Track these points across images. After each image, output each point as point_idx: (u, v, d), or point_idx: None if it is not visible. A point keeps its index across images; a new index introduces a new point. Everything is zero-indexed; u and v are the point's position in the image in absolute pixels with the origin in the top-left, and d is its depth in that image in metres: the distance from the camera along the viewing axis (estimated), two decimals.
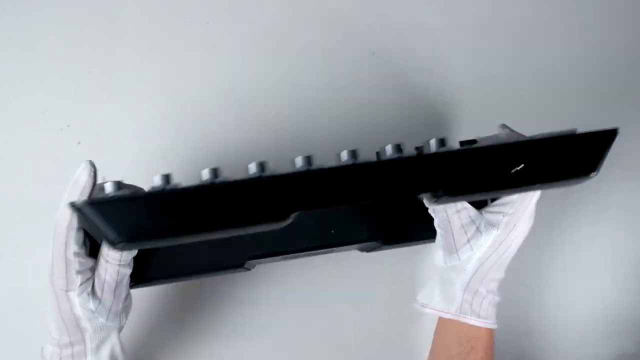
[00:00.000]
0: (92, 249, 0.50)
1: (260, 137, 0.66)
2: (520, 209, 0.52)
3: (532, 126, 0.62)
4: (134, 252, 0.51)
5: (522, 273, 0.63)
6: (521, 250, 0.62)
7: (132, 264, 0.51)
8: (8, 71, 0.65)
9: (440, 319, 0.57)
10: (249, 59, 0.66)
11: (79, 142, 0.66)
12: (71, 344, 0.50)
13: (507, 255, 0.54)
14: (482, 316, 0.54)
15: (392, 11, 0.66)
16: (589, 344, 0.64)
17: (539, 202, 0.53)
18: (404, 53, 0.66)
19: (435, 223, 0.54)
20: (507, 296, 0.64)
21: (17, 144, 0.66)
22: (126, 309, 0.53)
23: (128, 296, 0.53)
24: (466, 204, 0.53)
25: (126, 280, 0.51)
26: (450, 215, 0.52)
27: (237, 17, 0.66)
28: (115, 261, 0.49)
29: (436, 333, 0.58)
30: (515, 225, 0.52)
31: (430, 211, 0.53)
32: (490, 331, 0.55)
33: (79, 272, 0.48)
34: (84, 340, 0.50)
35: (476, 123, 0.67)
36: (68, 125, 0.66)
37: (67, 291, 0.49)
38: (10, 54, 0.65)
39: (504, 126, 0.53)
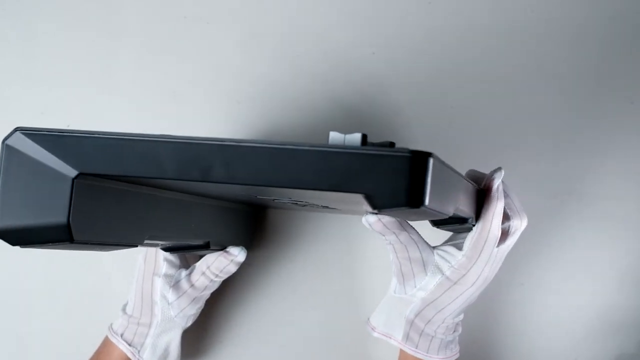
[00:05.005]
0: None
1: (260, 137, 0.66)
2: (467, 265, 0.49)
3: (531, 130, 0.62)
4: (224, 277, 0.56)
5: (522, 273, 0.63)
6: (521, 251, 0.62)
7: (218, 285, 0.57)
8: (8, 71, 0.65)
9: (399, 349, 0.54)
10: (249, 59, 0.66)
11: None
12: (139, 323, 0.56)
13: (460, 300, 0.50)
14: (431, 351, 0.52)
15: (392, 12, 0.66)
16: (589, 344, 0.64)
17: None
18: (404, 53, 0.66)
19: (388, 248, 0.49)
20: (508, 296, 0.65)
21: None
22: (195, 315, 0.58)
23: (201, 307, 0.59)
24: (414, 237, 0.48)
25: (209, 293, 0.57)
26: (393, 242, 0.47)
27: (237, 17, 0.66)
28: (211, 275, 0.55)
29: None
30: (463, 276, 0.49)
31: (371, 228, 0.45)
32: None
33: (166, 259, 0.55)
34: (150, 325, 0.56)
35: (479, 125, 0.67)
36: (68, 126, 0.66)
37: (153, 274, 0.55)
38: (10, 54, 0.65)
39: None
